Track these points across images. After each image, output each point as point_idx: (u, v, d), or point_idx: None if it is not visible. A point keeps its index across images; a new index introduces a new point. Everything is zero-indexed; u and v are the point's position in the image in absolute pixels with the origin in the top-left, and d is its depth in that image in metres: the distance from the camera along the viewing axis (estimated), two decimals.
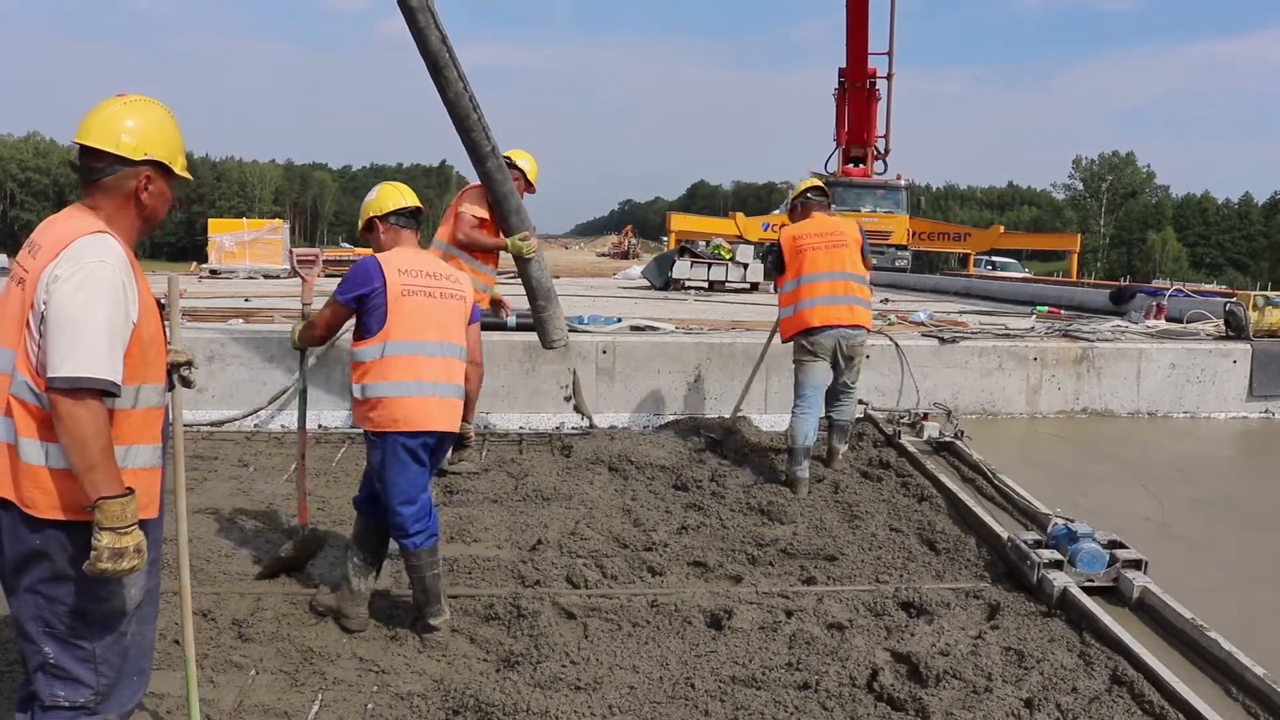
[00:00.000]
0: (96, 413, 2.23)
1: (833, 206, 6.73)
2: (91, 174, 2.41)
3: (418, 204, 4.02)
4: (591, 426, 7.10)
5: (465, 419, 4.12)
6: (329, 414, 7.05)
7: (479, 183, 6.26)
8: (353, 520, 5.11)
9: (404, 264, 3.79)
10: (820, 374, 5.96)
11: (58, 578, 2.34)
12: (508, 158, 6.31)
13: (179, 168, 2.54)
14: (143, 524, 2.35)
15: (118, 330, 2.29)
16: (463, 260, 6.10)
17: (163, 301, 2.56)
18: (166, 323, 2.69)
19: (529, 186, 6.44)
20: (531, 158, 6.49)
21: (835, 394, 6.18)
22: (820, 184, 6.44)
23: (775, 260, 6.26)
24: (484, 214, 6.18)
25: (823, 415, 6.12)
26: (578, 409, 7.26)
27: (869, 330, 6.11)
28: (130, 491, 2.30)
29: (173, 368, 2.78)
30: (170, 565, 4.28)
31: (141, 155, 2.42)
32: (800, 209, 6.28)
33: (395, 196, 3.98)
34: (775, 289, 6.39)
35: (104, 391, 2.24)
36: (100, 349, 2.23)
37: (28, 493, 2.30)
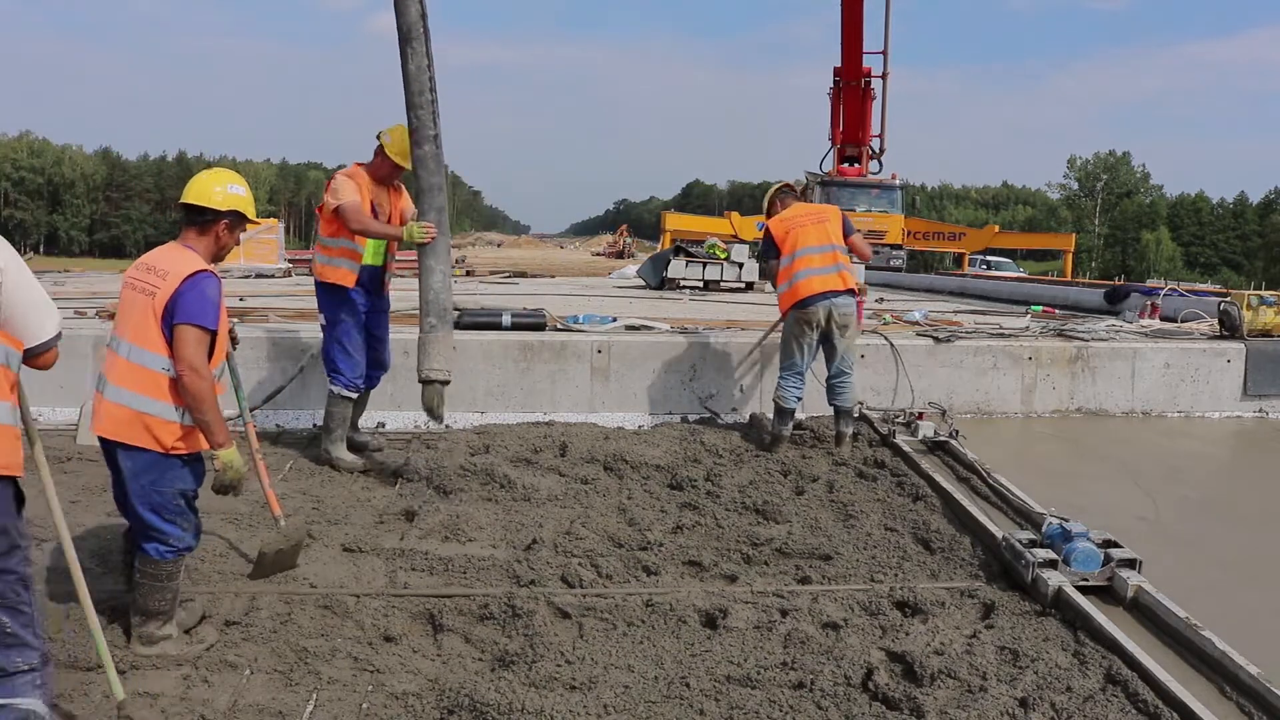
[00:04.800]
0: None
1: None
2: None
3: (189, 200, 3.69)
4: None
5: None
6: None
7: (351, 168, 6.05)
8: (348, 519, 5.12)
9: (141, 260, 3.68)
10: (808, 347, 6.54)
11: (11, 549, 2.58)
12: (378, 134, 6.05)
13: None
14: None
15: None
16: (322, 261, 5.98)
17: None
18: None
19: (389, 159, 6.02)
20: (396, 128, 5.98)
21: (833, 381, 6.61)
22: (787, 183, 7.24)
23: (766, 246, 6.81)
24: (359, 196, 5.88)
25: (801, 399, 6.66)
26: (430, 411, 5.73)
27: (858, 294, 6.65)
28: None
29: None
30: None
31: None
32: (779, 205, 6.94)
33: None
34: (773, 286, 6.94)
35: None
36: None
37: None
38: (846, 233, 6.66)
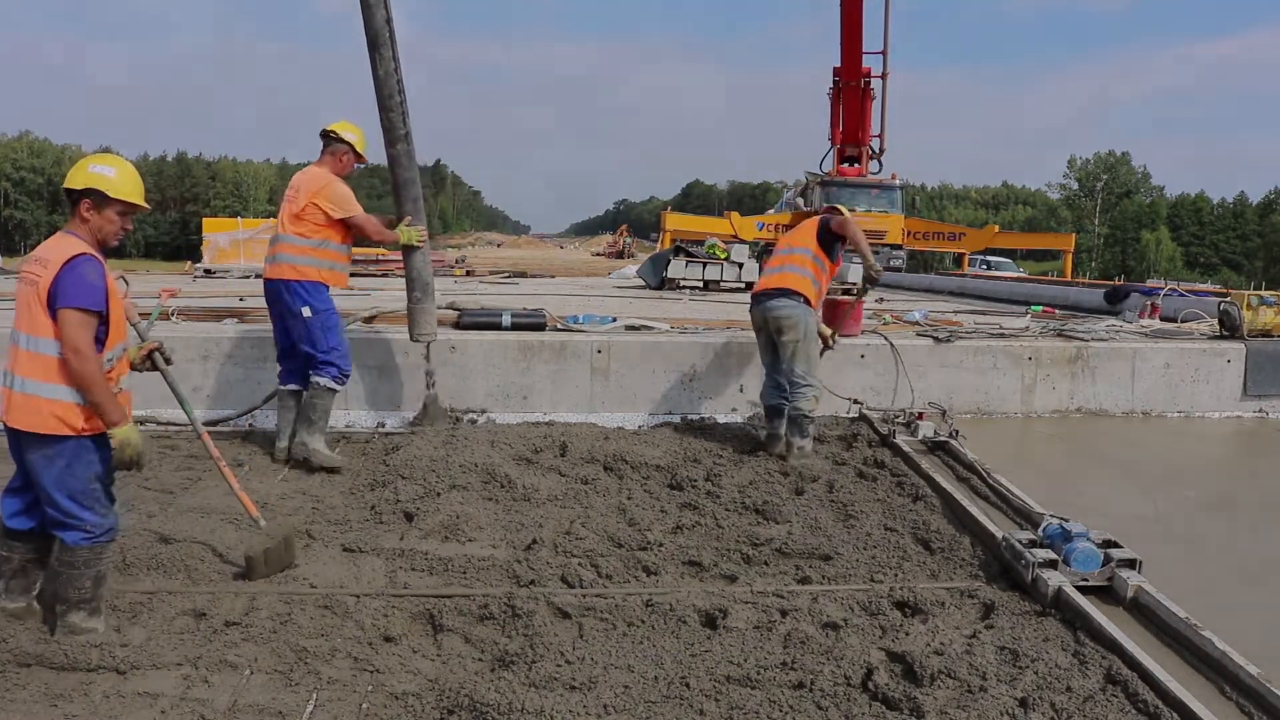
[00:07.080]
0: None
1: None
2: None
3: (69, 185, 3.70)
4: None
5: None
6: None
7: (325, 172, 5.92)
8: (348, 519, 5.12)
9: (32, 253, 3.72)
10: (764, 348, 6.60)
11: None
12: (333, 131, 5.97)
13: None
14: None
15: None
16: (326, 266, 5.93)
17: None
18: None
19: (358, 158, 6.08)
20: (357, 128, 6.07)
21: (785, 383, 6.42)
22: (839, 207, 6.81)
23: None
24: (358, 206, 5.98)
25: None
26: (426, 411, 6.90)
27: (799, 295, 6.26)
28: None
29: None
30: (166, 565, 4.31)
31: None
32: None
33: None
34: None
35: None
36: None
37: None
38: (823, 229, 6.42)
